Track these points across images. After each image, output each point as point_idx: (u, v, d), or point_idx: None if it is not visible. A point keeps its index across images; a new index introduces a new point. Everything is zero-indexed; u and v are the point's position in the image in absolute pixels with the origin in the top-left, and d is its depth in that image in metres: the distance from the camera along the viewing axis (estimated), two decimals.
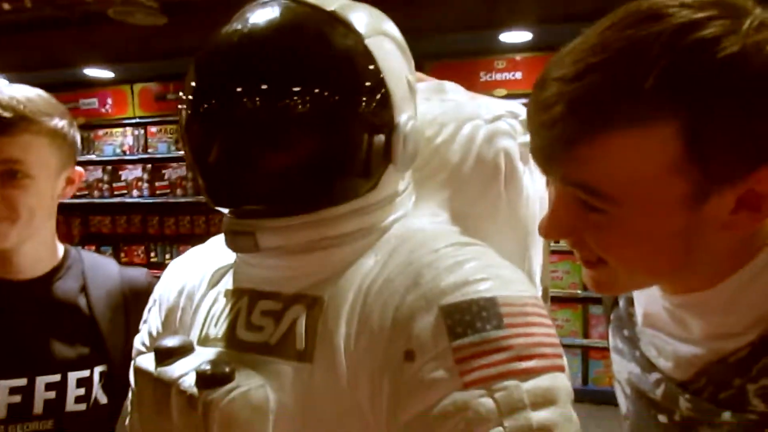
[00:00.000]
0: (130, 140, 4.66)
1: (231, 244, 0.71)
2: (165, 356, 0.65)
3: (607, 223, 0.53)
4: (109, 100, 4.67)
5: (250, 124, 0.63)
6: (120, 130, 4.69)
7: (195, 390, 0.60)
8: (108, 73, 4.44)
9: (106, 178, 4.69)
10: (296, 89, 0.63)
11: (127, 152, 4.66)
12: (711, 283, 0.58)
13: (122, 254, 4.72)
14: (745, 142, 0.48)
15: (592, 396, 3.50)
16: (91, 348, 0.99)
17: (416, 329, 0.59)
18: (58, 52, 4.14)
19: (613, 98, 0.48)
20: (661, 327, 0.65)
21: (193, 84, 0.67)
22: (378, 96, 0.68)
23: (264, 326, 0.68)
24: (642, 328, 0.68)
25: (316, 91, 0.63)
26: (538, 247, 0.85)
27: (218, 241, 0.81)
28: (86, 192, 4.68)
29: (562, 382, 0.59)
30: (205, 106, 0.65)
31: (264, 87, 0.63)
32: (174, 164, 4.55)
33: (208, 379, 0.60)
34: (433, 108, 0.84)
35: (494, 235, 0.77)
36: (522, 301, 0.61)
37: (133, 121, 4.63)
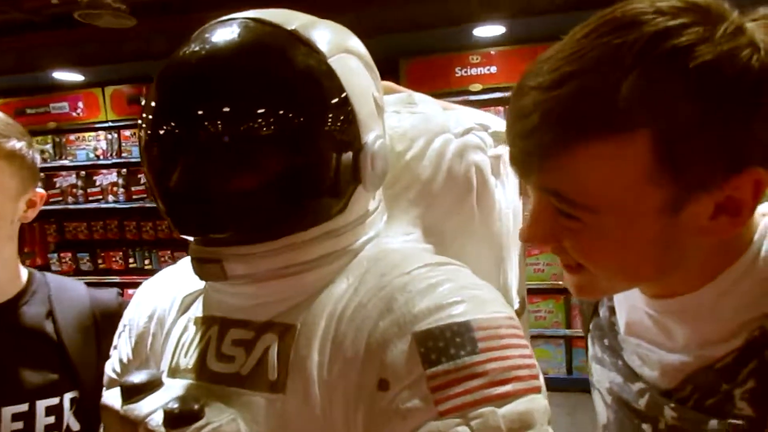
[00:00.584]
0: (103, 144, 4.57)
1: (198, 271, 0.69)
2: (132, 393, 0.64)
3: (584, 230, 0.53)
4: (80, 104, 4.57)
5: (213, 148, 0.61)
6: (93, 134, 4.59)
7: (163, 430, 0.59)
8: (78, 76, 4.34)
9: (80, 183, 4.59)
10: (259, 111, 0.61)
11: (101, 157, 4.57)
12: (694, 286, 0.57)
13: (99, 260, 4.64)
14: (719, 150, 0.48)
15: (577, 384, 3.55)
16: (61, 374, 0.96)
17: (390, 357, 0.58)
18: (26, 55, 4.04)
19: (587, 108, 0.48)
20: (645, 336, 0.64)
21: (153, 104, 0.64)
22: (343, 115, 0.66)
23: (235, 356, 0.67)
24: (625, 337, 0.67)
25: (280, 112, 0.62)
26: (513, 259, 0.85)
27: (189, 262, 0.79)
28: (60, 198, 4.59)
29: (539, 404, 0.58)
30: (166, 128, 0.63)
31: (226, 109, 0.61)
32: None
33: (176, 418, 0.58)
34: (403, 121, 0.82)
35: (468, 251, 0.77)
36: (497, 323, 0.60)
37: (106, 124, 4.53)
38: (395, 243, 0.73)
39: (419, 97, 0.88)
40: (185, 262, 0.83)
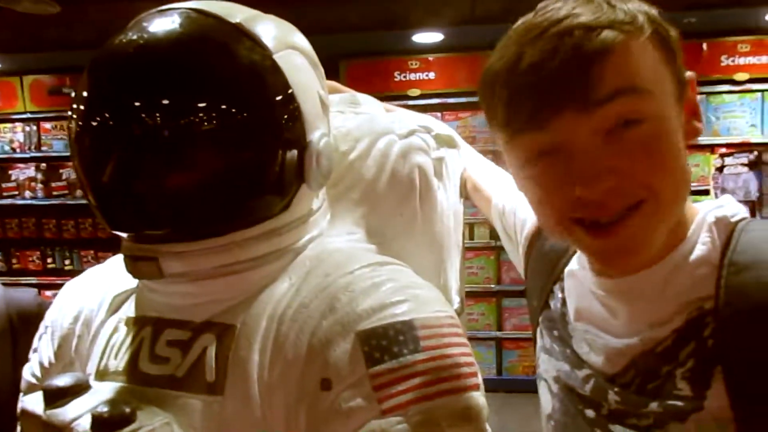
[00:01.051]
0: (20, 137, 4.28)
1: (132, 269, 0.66)
2: (56, 397, 0.60)
3: (647, 133, 0.55)
4: None
5: (150, 142, 0.59)
6: (8, 125, 4.30)
7: None
8: None
9: None
10: (200, 105, 0.59)
11: (18, 150, 4.29)
12: (642, 265, 0.61)
13: (14, 260, 4.34)
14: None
15: (506, 385, 3.66)
16: None
17: (332, 357, 0.58)
18: None
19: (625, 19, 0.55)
20: (593, 320, 0.67)
21: (85, 94, 0.61)
22: (288, 113, 0.65)
23: (170, 357, 0.64)
24: (574, 325, 0.70)
25: (222, 107, 0.60)
26: (453, 259, 0.86)
27: (118, 260, 0.75)
28: None
29: (477, 401, 0.60)
30: (99, 119, 0.60)
31: (165, 102, 0.59)
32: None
33: (105, 423, 0.55)
34: (347, 121, 0.82)
35: (410, 251, 0.77)
36: (439, 321, 0.61)
37: (24, 116, 4.26)
38: (338, 242, 0.72)
39: (363, 97, 0.89)
40: (114, 261, 0.79)
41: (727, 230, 0.61)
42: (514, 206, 0.88)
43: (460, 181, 0.91)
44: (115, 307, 0.74)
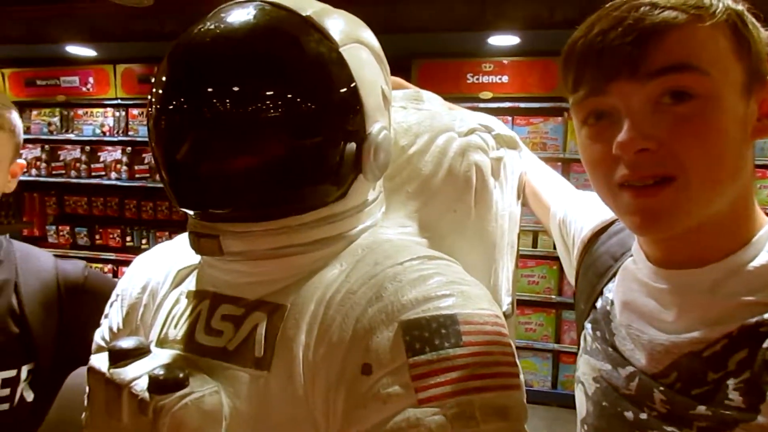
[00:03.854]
0: (110, 121, 4.57)
1: (194, 245, 0.70)
2: (119, 357, 0.64)
3: (692, 111, 0.56)
4: (91, 79, 4.56)
5: (219, 126, 0.62)
6: (101, 110, 4.59)
7: (147, 394, 0.59)
8: (90, 52, 4.35)
9: (84, 158, 4.58)
10: (266, 93, 0.62)
11: (107, 133, 4.57)
12: (701, 261, 0.61)
13: (97, 236, 4.63)
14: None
15: (560, 399, 3.55)
16: (19, 346, 0.94)
17: (374, 343, 0.59)
18: (38, 26, 4.04)
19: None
20: (640, 313, 0.66)
21: (164, 79, 0.65)
22: (350, 105, 0.67)
23: (223, 331, 0.68)
24: (618, 321, 0.69)
25: (288, 96, 0.63)
26: (505, 261, 0.86)
27: (185, 238, 0.80)
28: (63, 171, 4.59)
29: (516, 401, 0.59)
30: (174, 103, 0.64)
31: (235, 89, 0.62)
32: None
33: (160, 384, 0.59)
34: (408, 117, 0.83)
35: (461, 248, 0.78)
36: (483, 319, 0.61)
37: (115, 102, 4.53)
38: (391, 234, 0.74)
39: (427, 95, 0.90)
40: (182, 238, 0.84)
41: None
42: (573, 215, 0.87)
43: (518, 183, 0.90)
44: (178, 281, 0.78)
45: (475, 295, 0.64)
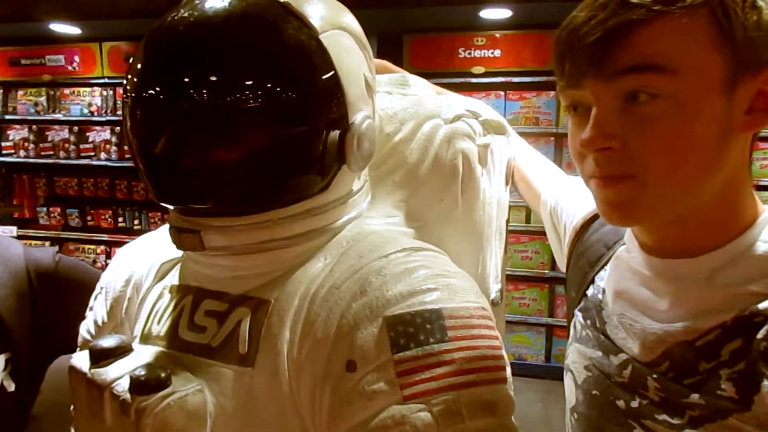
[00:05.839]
0: (98, 101, 4.50)
1: (176, 240, 0.69)
2: (101, 357, 0.63)
3: (656, 112, 0.55)
4: (77, 58, 4.47)
5: (197, 117, 0.60)
6: (88, 89, 4.51)
7: (128, 395, 0.59)
8: (75, 29, 4.25)
9: (72, 138, 4.52)
10: (243, 83, 0.60)
11: (95, 113, 4.50)
12: (693, 251, 0.60)
13: (89, 217, 4.61)
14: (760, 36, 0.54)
15: (554, 372, 3.59)
16: None
17: (359, 339, 0.58)
18: (23, 4, 3.95)
19: None
20: (633, 302, 0.66)
21: (139, 67, 0.63)
22: (331, 93, 0.65)
23: (207, 327, 0.67)
24: (610, 309, 0.69)
25: (267, 86, 0.61)
26: (493, 248, 0.85)
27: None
28: (52, 152, 4.53)
29: (503, 395, 0.59)
30: (151, 93, 0.62)
31: (212, 79, 0.60)
32: None
33: (142, 385, 0.58)
34: (394, 103, 0.81)
35: (449, 237, 0.77)
36: (469, 312, 0.61)
37: (102, 81, 4.46)
38: (377, 225, 0.72)
39: (413, 79, 0.87)
40: (165, 229, 0.82)
41: None
42: (564, 202, 0.86)
43: (507, 168, 0.89)
44: (162, 274, 0.77)
45: (461, 287, 0.63)
